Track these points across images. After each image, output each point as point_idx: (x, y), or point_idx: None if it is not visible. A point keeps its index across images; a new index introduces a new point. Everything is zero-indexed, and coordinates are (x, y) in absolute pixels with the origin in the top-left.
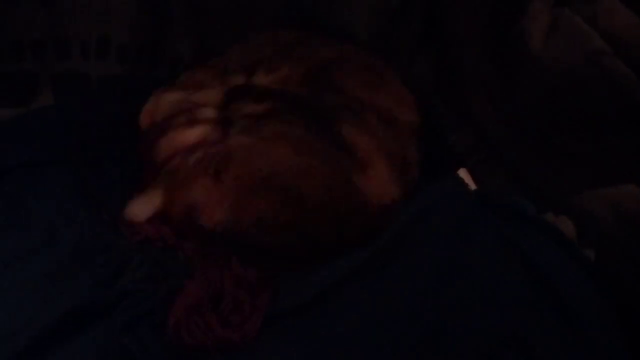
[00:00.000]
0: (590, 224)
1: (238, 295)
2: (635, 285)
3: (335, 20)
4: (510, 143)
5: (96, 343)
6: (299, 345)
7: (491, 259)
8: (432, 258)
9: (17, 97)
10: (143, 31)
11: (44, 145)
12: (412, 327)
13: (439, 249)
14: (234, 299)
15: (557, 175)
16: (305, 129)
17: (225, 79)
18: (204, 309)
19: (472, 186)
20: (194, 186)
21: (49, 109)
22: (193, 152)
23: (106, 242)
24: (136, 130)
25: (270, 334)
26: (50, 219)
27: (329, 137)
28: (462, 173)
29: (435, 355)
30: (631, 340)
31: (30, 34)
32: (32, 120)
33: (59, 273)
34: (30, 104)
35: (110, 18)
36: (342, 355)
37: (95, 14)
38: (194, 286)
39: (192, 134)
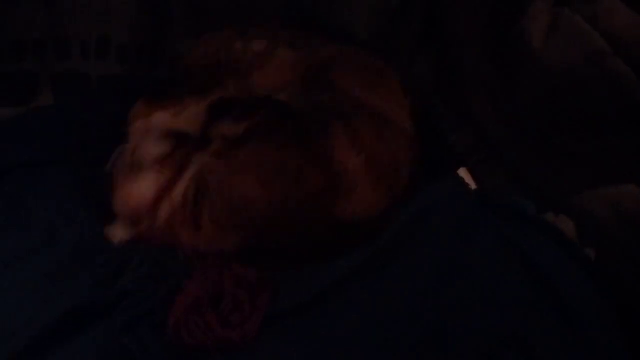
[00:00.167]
0: (590, 223)
1: (238, 295)
2: (635, 285)
3: (335, 20)
4: (510, 143)
5: (96, 343)
6: (299, 345)
7: (491, 259)
8: (432, 258)
9: (17, 97)
10: (143, 31)
11: (44, 145)
12: (412, 327)
13: (439, 249)
14: (234, 298)
15: (557, 175)
16: (285, 151)
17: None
18: (203, 308)
19: (472, 186)
20: (176, 236)
21: (49, 109)
22: (158, 205)
23: (106, 242)
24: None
25: (270, 334)
26: (50, 219)
27: (313, 159)
28: (462, 173)
29: (435, 355)
30: (631, 340)
31: (30, 34)
32: (32, 120)
33: (59, 273)
34: (30, 104)
35: (110, 18)
36: (342, 355)
37: (95, 14)
38: (193, 286)
39: (145, 188)
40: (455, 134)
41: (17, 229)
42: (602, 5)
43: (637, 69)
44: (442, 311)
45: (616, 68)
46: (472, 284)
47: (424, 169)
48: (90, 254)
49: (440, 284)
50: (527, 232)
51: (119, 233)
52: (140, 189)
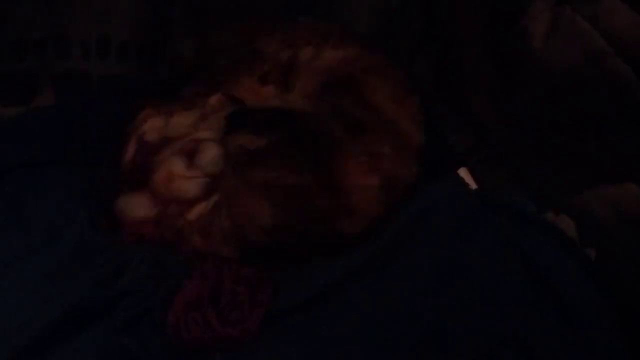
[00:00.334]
0: (590, 223)
1: (237, 293)
2: (635, 285)
3: (335, 20)
4: (510, 143)
5: (96, 343)
6: (298, 345)
7: (491, 259)
8: (432, 258)
9: (17, 96)
10: (143, 31)
11: (44, 145)
12: (412, 327)
13: (439, 249)
14: (233, 296)
15: (557, 175)
16: (296, 173)
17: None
18: (203, 307)
19: (473, 186)
20: (188, 240)
21: (49, 109)
22: (192, 206)
23: (106, 242)
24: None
25: (269, 334)
26: (50, 219)
27: (327, 184)
28: (463, 173)
29: (435, 355)
30: (631, 340)
31: (30, 34)
32: (32, 120)
33: (59, 273)
34: (31, 104)
35: (110, 18)
36: (342, 354)
37: (95, 13)
38: (193, 284)
39: (192, 189)
40: (455, 134)
41: (17, 229)
42: (602, 5)
43: (637, 69)
44: (442, 311)
45: (616, 68)
46: (472, 284)
47: (424, 169)
48: (90, 254)
49: (440, 284)
50: (527, 232)
51: (140, 208)
52: (189, 185)
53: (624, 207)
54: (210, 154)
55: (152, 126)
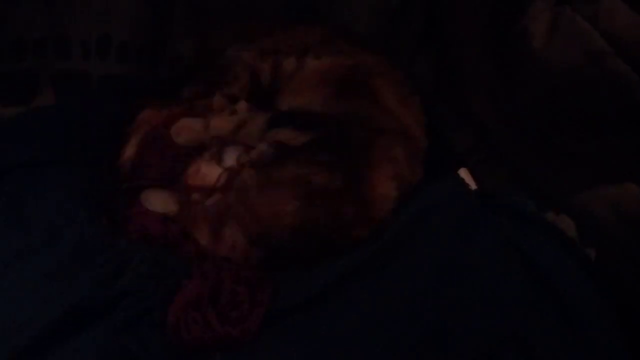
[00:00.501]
0: (590, 223)
1: (237, 293)
2: (635, 285)
3: (335, 20)
4: (510, 143)
5: (96, 343)
6: (298, 345)
7: (491, 259)
8: (432, 258)
9: (17, 96)
10: (143, 31)
11: (44, 145)
12: (412, 327)
13: (439, 249)
14: (233, 296)
15: (557, 175)
16: (328, 172)
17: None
18: (202, 306)
19: (473, 186)
20: (199, 231)
21: (49, 109)
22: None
23: (106, 242)
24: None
25: (269, 334)
26: (50, 219)
27: (351, 190)
28: (463, 173)
29: (435, 355)
30: (631, 340)
31: (30, 34)
32: (32, 120)
33: (59, 273)
34: (31, 104)
35: (110, 18)
36: (342, 354)
37: (96, 13)
38: (192, 284)
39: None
40: (455, 134)
41: (17, 229)
42: (603, 5)
43: (637, 69)
44: (442, 311)
45: (616, 68)
46: (472, 284)
47: (424, 169)
48: (90, 254)
49: (440, 284)
50: (527, 232)
51: (165, 204)
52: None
53: (624, 207)
54: (230, 152)
55: (185, 130)
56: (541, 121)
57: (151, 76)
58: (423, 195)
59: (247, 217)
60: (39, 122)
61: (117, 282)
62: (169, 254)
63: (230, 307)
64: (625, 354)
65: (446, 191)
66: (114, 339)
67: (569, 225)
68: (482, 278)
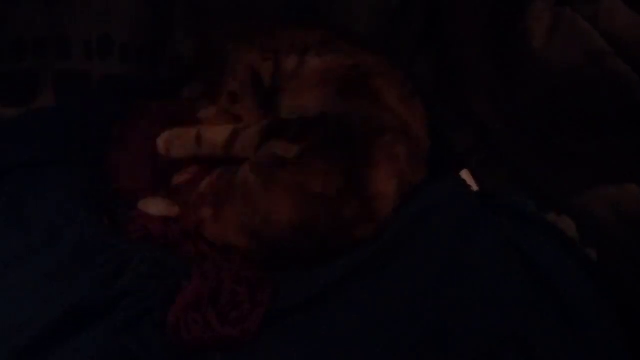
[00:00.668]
0: (590, 224)
1: (237, 293)
2: (635, 285)
3: (335, 20)
4: (510, 143)
5: (96, 343)
6: (298, 345)
7: (491, 259)
8: (432, 258)
9: (17, 96)
10: (143, 31)
11: (44, 145)
12: (412, 327)
13: (439, 249)
14: (233, 296)
15: (557, 175)
16: (324, 182)
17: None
18: (202, 306)
19: (474, 187)
20: (199, 211)
21: (49, 109)
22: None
23: (106, 242)
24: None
25: (270, 333)
26: (50, 219)
27: (352, 190)
28: (464, 175)
29: (435, 355)
30: (631, 340)
31: (30, 34)
32: (32, 120)
33: (59, 273)
34: (31, 104)
35: (110, 18)
36: (342, 355)
37: (96, 13)
38: (192, 284)
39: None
40: (455, 134)
41: (17, 229)
42: (602, 5)
43: (637, 69)
44: (442, 311)
45: (616, 68)
46: (472, 284)
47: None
48: (90, 254)
49: (440, 283)
50: (528, 232)
51: (166, 207)
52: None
53: (624, 207)
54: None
55: (177, 146)
56: (541, 121)
57: (151, 76)
58: (423, 195)
59: (247, 210)
60: (39, 122)
61: (117, 282)
62: (169, 254)
63: (230, 307)
64: (625, 354)
65: (446, 191)
66: (114, 339)
67: (569, 225)
68: (482, 278)
